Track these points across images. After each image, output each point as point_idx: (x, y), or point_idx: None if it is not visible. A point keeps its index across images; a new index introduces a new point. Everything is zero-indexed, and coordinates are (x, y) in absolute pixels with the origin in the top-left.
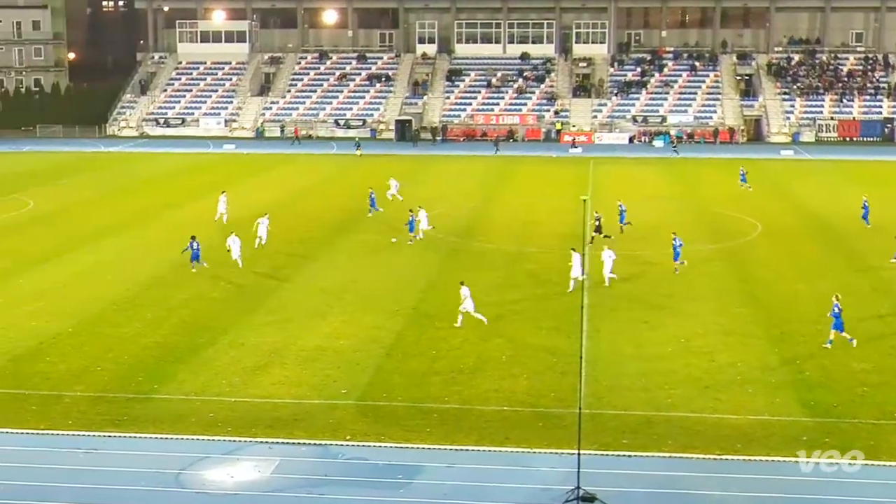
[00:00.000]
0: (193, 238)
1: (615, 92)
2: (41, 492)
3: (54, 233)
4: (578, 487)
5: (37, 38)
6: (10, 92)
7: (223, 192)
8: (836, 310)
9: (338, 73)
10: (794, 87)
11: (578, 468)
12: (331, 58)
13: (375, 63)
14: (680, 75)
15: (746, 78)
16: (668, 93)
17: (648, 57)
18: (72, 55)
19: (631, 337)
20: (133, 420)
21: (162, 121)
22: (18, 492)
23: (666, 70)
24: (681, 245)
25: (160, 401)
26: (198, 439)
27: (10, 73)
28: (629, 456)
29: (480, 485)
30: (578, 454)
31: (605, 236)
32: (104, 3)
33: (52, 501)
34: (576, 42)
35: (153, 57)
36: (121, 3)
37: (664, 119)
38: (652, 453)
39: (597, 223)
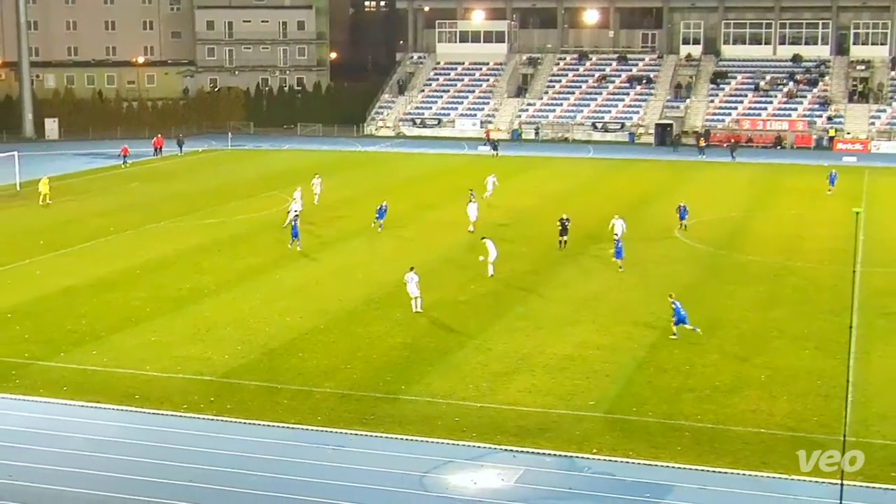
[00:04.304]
0: (296, 215)
1: None
2: (289, 485)
3: (309, 230)
4: None
5: (301, 38)
6: (274, 90)
7: (316, 175)
8: (675, 306)
9: (597, 74)
10: None
11: (841, 499)
12: (590, 59)
13: (636, 64)
14: None
15: None
16: None
17: None
18: (333, 55)
19: None
20: (380, 420)
21: (418, 121)
22: (268, 484)
23: None
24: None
25: (407, 402)
26: (443, 443)
27: (275, 72)
28: None
29: None
30: (841, 484)
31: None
32: (366, 4)
33: (299, 495)
34: (854, 43)
35: (412, 57)
36: (382, 4)
37: None
38: None
39: (563, 225)
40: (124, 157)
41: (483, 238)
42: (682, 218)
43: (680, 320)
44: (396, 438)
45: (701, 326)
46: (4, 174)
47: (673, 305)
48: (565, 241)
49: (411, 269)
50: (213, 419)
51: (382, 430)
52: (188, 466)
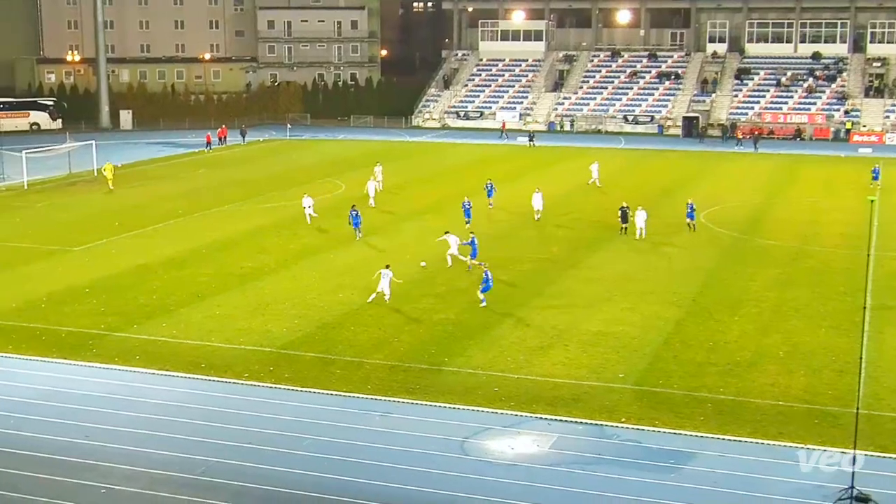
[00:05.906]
0: (353, 207)
1: None
2: (340, 448)
3: (361, 215)
4: (852, 488)
5: (354, 37)
6: (329, 85)
7: (378, 163)
8: (486, 275)
9: (628, 70)
10: None
11: (853, 468)
12: (622, 56)
13: (665, 61)
14: None
15: None
16: None
17: None
18: (384, 52)
19: None
20: (425, 389)
21: (462, 113)
22: (320, 447)
23: None
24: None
25: (450, 373)
26: (482, 411)
27: (330, 68)
28: None
29: (753, 476)
30: (854, 454)
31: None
32: (415, 4)
33: (349, 458)
34: (870, 42)
35: (456, 54)
36: (429, 5)
37: None
38: None
39: (623, 212)
40: (208, 143)
41: (446, 232)
42: (689, 217)
43: (486, 289)
44: (440, 406)
45: (723, 305)
46: (83, 161)
47: (485, 274)
48: (626, 228)
49: (386, 266)
50: (271, 387)
51: (427, 399)
52: (248, 430)
